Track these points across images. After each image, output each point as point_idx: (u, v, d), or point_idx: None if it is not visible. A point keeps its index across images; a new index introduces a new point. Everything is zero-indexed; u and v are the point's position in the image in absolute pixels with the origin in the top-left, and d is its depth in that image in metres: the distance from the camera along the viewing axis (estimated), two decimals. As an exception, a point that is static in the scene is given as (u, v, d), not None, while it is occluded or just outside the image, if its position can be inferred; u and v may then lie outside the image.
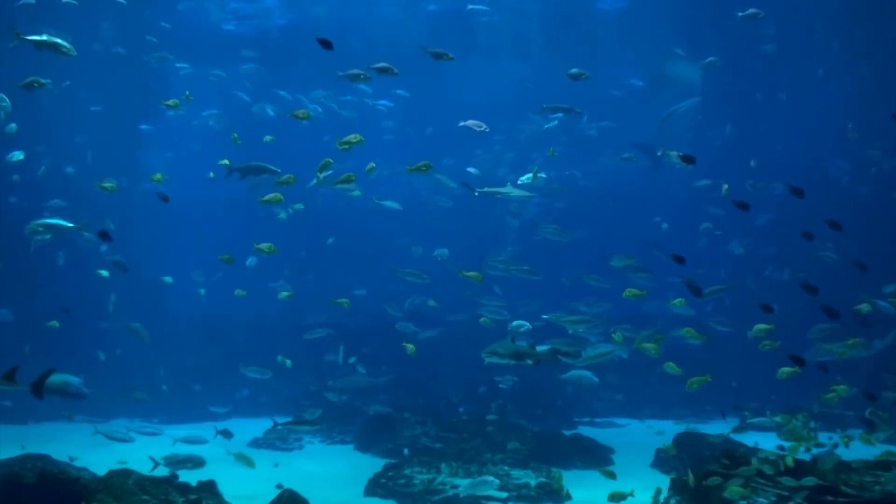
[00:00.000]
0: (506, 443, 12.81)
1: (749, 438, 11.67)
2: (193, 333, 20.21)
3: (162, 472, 10.04)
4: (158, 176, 12.04)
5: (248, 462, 10.63)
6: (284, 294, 13.97)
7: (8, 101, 11.85)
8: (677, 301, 11.25)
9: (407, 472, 11.25)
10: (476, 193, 11.09)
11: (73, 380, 9.44)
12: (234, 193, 17.81)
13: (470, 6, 20.61)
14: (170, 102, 11.28)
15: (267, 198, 10.44)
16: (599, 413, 18.32)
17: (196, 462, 10.37)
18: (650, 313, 18.29)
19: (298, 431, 14.52)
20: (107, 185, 11.90)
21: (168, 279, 17.14)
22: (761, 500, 8.51)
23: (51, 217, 12.57)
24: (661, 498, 9.47)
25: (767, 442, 11.27)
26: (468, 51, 23.34)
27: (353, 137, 10.16)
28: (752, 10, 14.93)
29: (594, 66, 21.75)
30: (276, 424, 11.50)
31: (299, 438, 15.54)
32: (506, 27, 22.89)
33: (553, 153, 12.26)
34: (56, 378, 8.96)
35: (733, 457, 9.12)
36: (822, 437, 10.57)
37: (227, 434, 13.72)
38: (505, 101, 21.74)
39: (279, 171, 10.90)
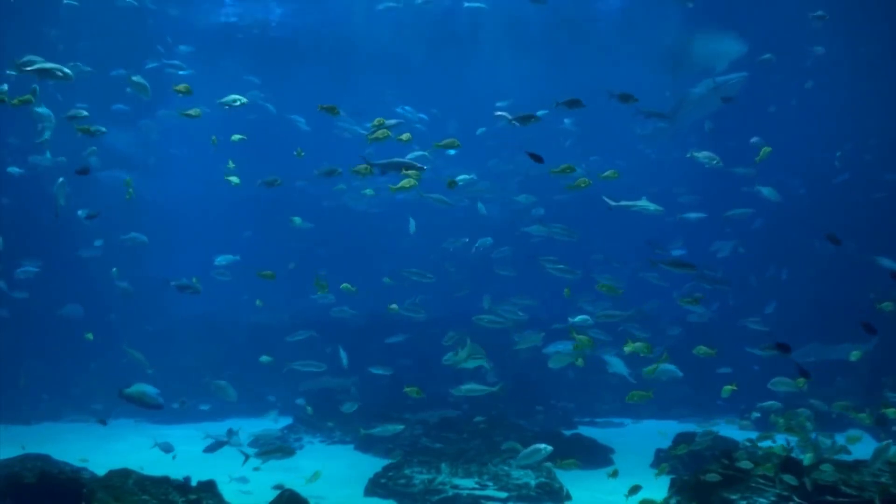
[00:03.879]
0: (505, 442, 12.80)
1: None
2: (193, 333, 20.19)
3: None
4: (128, 181, 12.21)
5: (316, 476, 10.50)
6: (260, 302, 14.88)
7: (52, 114, 11.70)
8: (690, 299, 11.27)
9: (407, 471, 11.26)
10: (611, 207, 10.73)
11: (151, 390, 9.92)
12: (233, 193, 17.73)
13: (466, 3, 20.49)
14: (191, 112, 10.77)
15: (400, 185, 10.20)
16: (599, 413, 18.31)
17: (286, 451, 10.65)
18: (651, 313, 18.21)
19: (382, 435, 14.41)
20: (129, 188, 12.21)
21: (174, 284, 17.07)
22: (761, 500, 8.53)
23: None
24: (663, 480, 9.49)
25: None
26: (467, 50, 23.36)
27: (451, 141, 10.20)
28: (819, 12, 14.93)
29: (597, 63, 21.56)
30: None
31: (299, 438, 15.55)
32: (506, 26, 22.78)
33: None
34: (135, 388, 9.73)
35: (731, 456, 9.16)
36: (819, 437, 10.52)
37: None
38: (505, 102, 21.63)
39: (424, 167, 10.36)
